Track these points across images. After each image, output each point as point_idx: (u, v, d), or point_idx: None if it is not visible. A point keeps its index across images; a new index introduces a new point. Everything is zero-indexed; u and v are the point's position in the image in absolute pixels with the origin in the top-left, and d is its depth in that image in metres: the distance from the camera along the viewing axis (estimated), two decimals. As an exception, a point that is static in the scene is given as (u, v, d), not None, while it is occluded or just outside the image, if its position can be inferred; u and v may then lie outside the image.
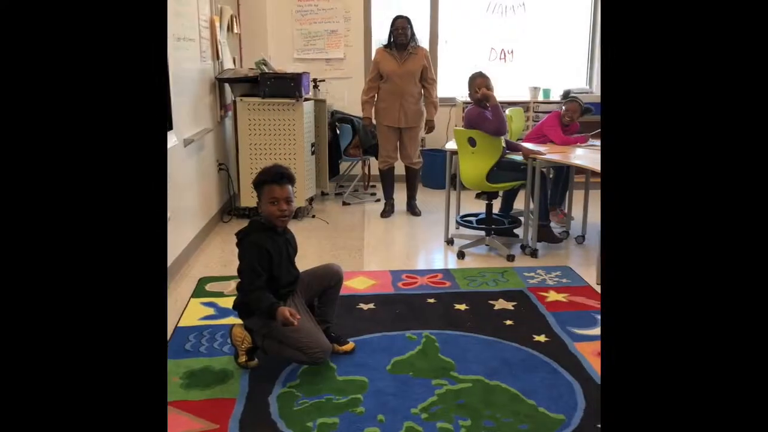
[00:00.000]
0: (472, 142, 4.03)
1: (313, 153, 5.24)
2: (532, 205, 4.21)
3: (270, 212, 2.60)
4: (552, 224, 4.57)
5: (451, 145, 4.42)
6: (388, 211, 5.27)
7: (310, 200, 5.37)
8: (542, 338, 2.98)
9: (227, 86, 5.17)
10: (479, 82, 4.08)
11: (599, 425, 2.26)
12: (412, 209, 5.33)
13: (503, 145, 4.06)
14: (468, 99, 6.07)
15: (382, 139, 5.20)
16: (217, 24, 4.90)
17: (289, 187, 2.59)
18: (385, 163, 5.23)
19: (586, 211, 4.60)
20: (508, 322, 3.14)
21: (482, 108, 4.05)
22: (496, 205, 4.51)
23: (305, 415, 2.33)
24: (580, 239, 4.52)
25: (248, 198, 5.04)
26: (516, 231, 4.50)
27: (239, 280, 2.68)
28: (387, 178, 5.29)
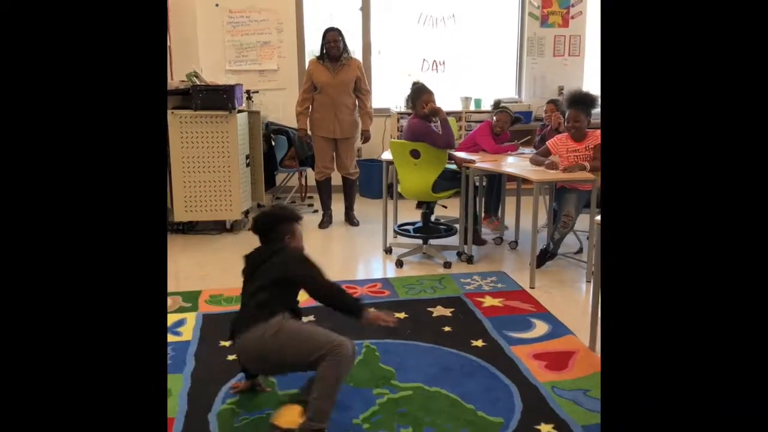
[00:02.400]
0: (415, 154, 4.09)
1: (248, 165, 5.19)
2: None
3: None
4: (486, 231, 4.69)
5: (388, 155, 4.47)
6: (326, 222, 5.27)
7: (246, 213, 5.31)
8: (479, 343, 3.04)
9: (158, 99, 5.05)
10: (426, 98, 4.14)
11: (537, 426, 2.34)
12: (350, 219, 5.35)
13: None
14: (404, 110, 6.21)
15: (317, 150, 5.20)
16: (146, 35, 4.79)
17: None
18: (321, 173, 5.23)
19: (518, 217, 4.74)
20: (447, 329, 3.20)
21: (427, 122, 4.12)
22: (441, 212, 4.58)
23: (246, 432, 2.31)
24: (514, 245, 4.65)
25: (182, 212, 4.94)
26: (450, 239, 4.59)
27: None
28: (324, 189, 5.29)
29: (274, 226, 2.61)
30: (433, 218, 4.55)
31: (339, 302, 2.44)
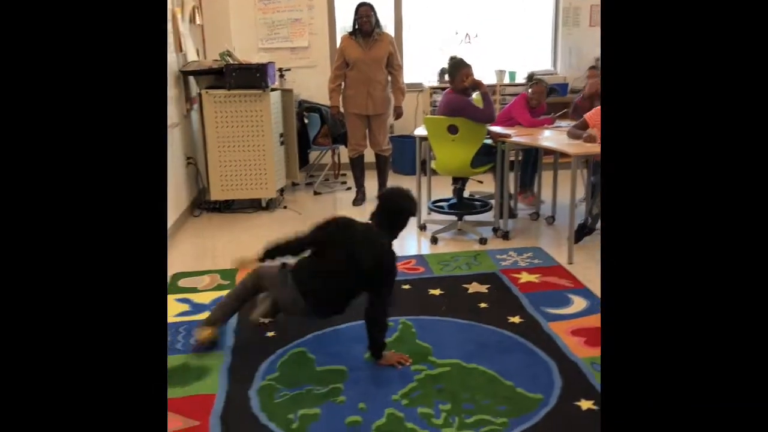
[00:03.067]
0: (453, 129, 4.04)
1: (281, 143, 5.21)
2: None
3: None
4: (521, 206, 4.63)
5: (421, 131, 4.43)
6: (359, 199, 5.28)
7: (281, 191, 5.35)
8: (516, 319, 3.02)
9: (192, 79, 5.09)
10: (465, 72, 4.09)
11: (576, 403, 2.32)
12: None
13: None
14: (437, 84, 6.14)
15: (350, 127, 5.19)
16: (179, 15, 4.82)
17: None
18: (354, 151, 5.22)
19: (555, 191, 4.67)
20: (483, 305, 3.18)
21: (465, 95, 4.06)
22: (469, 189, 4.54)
23: (287, 407, 2.34)
24: (551, 220, 4.59)
25: (218, 191, 4.99)
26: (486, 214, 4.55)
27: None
28: (357, 166, 5.29)
29: (399, 215, 2.79)
30: (466, 194, 4.51)
31: (376, 331, 2.61)
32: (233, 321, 3.04)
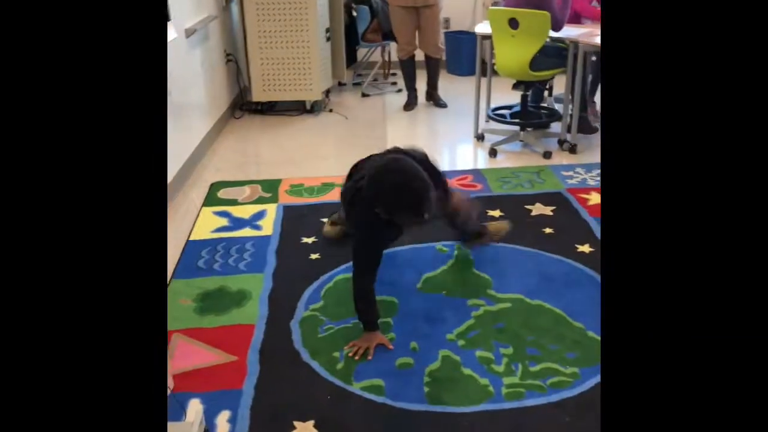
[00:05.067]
0: (514, 23, 3.56)
1: (328, 39, 4.79)
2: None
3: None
4: (590, 116, 4.17)
5: (483, 27, 3.96)
6: (411, 104, 4.88)
7: (327, 92, 4.98)
8: (586, 248, 2.71)
9: (230, -34, 4.65)
10: None
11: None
12: (436, 101, 4.92)
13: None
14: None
15: (397, 24, 4.69)
16: None
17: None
18: (404, 51, 4.75)
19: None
20: (548, 231, 2.87)
21: None
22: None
23: (331, 343, 2.14)
24: (622, 131, 4.14)
25: (260, 92, 4.67)
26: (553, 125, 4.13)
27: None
28: (408, 68, 4.83)
29: (389, 207, 2.05)
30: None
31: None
32: (275, 240, 2.82)
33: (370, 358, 2.05)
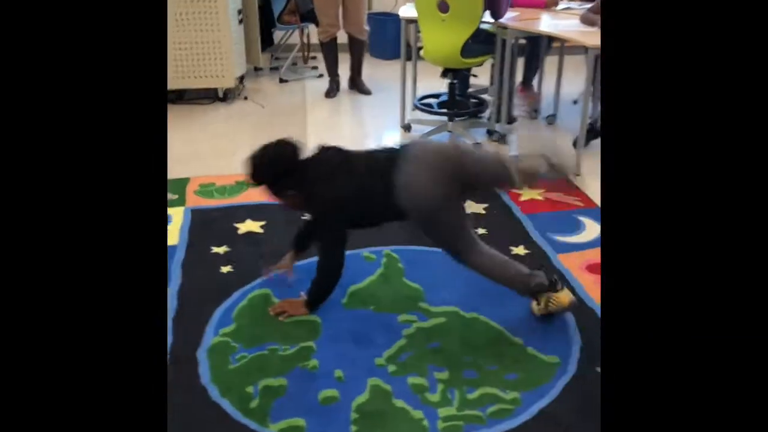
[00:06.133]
0: (443, 7, 3.33)
1: (240, 22, 4.43)
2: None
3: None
4: (517, 107, 4.02)
5: (407, 10, 3.72)
6: (333, 90, 4.60)
7: (241, 79, 4.63)
8: (521, 250, 2.55)
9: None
10: None
11: (599, 368, 1.89)
12: (359, 87, 4.66)
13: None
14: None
15: (319, 4, 4.39)
16: None
17: None
18: (326, 33, 4.45)
19: (559, 85, 4.06)
20: (481, 231, 2.69)
21: None
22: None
23: (245, 376, 1.87)
24: (552, 119, 4.02)
25: (169, 79, 4.27)
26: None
27: None
28: (330, 52, 4.54)
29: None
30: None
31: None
32: (182, 252, 2.51)
33: (282, 319, 2.09)
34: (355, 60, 4.61)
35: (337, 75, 4.63)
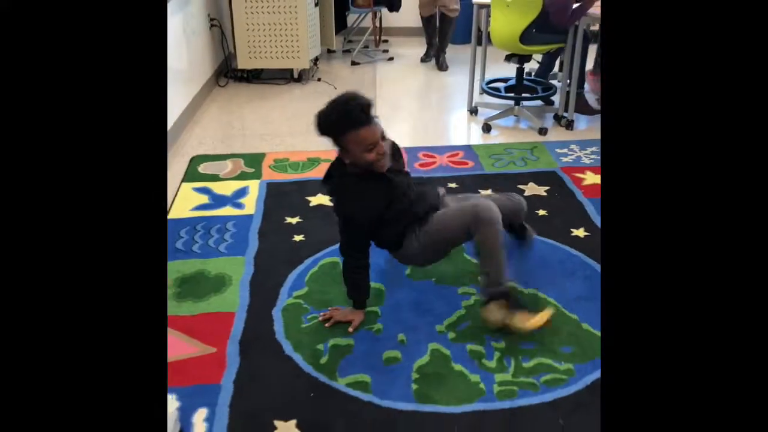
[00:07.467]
0: (508, -8, 3.40)
1: (316, 4, 4.60)
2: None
3: (367, 160, 1.96)
4: (587, 93, 4.03)
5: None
6: (429, 55, 5.09)
7: (315, 60, 4.80)
8: (581, 232, 2.61)
9: (214, -76, 4.42)
10: None
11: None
12: (440, 64, 4.94)
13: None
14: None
15: None
16: None
17: (377, 122, 1.98)
18: (425, 8, 4.84)
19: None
20: (542, 212, 2.76)
21: None
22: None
23: (315, 335, 2.03)
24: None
25: (245, 59, 4.49)
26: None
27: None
28: (429, 24, 4.96)
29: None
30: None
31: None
32: (258, 219, 2.70)
33: (328, 326, 2.07)
34: (444, 36, 4.87)
35: (433, 45, 5.04)
